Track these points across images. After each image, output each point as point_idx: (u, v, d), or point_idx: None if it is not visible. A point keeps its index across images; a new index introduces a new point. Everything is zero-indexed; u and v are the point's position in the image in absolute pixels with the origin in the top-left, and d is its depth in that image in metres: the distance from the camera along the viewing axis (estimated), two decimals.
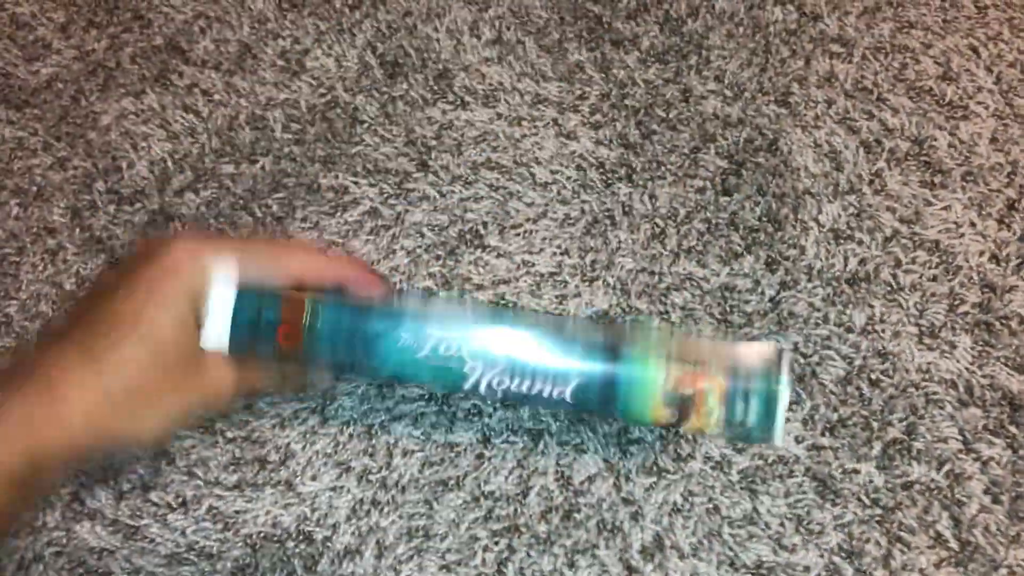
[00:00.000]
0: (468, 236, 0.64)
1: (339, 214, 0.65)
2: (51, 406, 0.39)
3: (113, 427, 0.41)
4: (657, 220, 0.65)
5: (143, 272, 0.42)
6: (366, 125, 0.68)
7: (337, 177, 0.67)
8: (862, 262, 0.63)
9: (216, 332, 0.43)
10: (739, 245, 0.64)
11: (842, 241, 0.64)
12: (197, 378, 0.43)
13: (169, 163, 0.68)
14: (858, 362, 0.60)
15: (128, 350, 0.40)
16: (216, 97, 0.70)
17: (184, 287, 0.42)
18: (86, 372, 0.39)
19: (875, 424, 0.58)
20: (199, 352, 0.43)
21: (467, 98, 0.69)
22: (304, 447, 0.58)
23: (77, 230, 0.65)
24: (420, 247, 0.63)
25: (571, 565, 0.54)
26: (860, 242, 0.64)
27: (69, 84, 0.71)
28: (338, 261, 0.47)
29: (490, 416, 0.58)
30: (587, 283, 0.62)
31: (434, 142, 0.68)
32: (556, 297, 0.62)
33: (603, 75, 0.70)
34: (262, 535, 0.56)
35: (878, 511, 0.55)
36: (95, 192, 0.67)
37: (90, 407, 0.39)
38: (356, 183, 0.66)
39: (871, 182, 0.66)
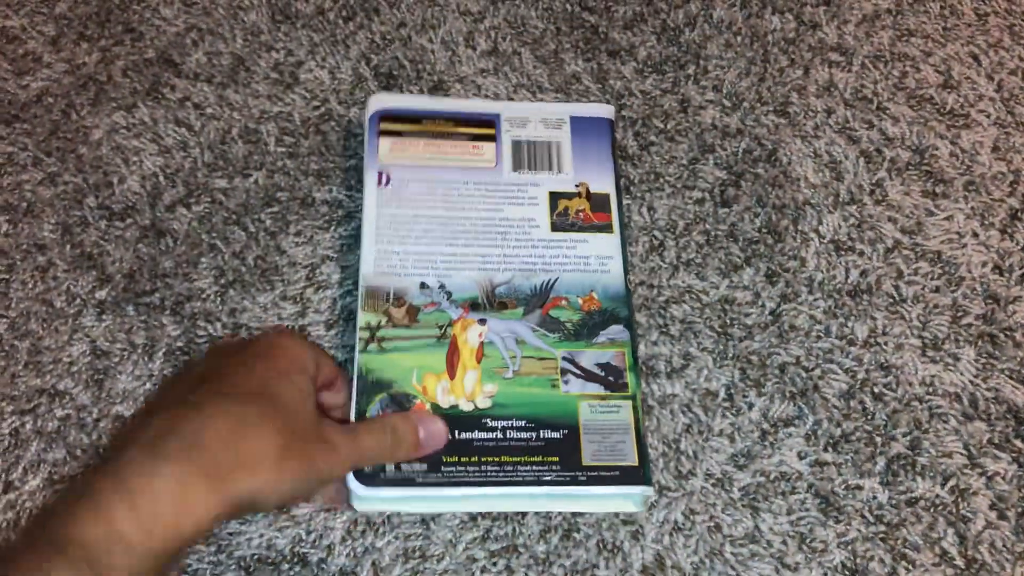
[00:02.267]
0: None
1: (333, 228, 0.64)
2: (205, 476, 0.40)
3: (259, 488, 0.42)
4: (655, 232, 0.64)
5: (252, 352, 0.47)
6: (359, 138, 0.68)
7: (331, 191, 0.66)
8: (863, 274, 0.62)
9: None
10: (739, 257, 0.63)
11: (843, 252, 0.63)
12: (320, 444, 0.45)
13: (161, 178, 0.67)
14: (860, 376, 0.59)
15: (265, 413, 0.43)
16: (208, 110, 0.69)
17: (293, 361, 0.47)
18: (232, 436, 0.42)
19: (878, 439, 0.57)
20: (319, 421, 0.46)
21: None
22: None
23: (68, 246, 0.64)
24: None
25: None
26: (861, 253, 0.63)
27: (59, 98, 0.70)
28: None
29: None
30: None
31: None
32: None
33: (600, 86, 0.70)
34: (256, 557, 0.55)
35: (882, 528, 0.55)
36: (86, 208, 0.66)
37: (241, 469, 0.41)
38: (351, 197, 0.65)
39: (872, 192, 0.65)
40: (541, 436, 0.54)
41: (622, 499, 0.53)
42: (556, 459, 0.53)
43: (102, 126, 0.69)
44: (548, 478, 0.53)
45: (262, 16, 0.73)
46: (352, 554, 0.55)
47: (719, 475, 0.56)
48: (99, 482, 0.39)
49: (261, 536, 0.55)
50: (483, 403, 0.55)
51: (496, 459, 0.53)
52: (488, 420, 0.54)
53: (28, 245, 0.64)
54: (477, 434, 0.54)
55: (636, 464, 0.53)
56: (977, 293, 0.61)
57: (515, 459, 0.53)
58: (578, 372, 0.56)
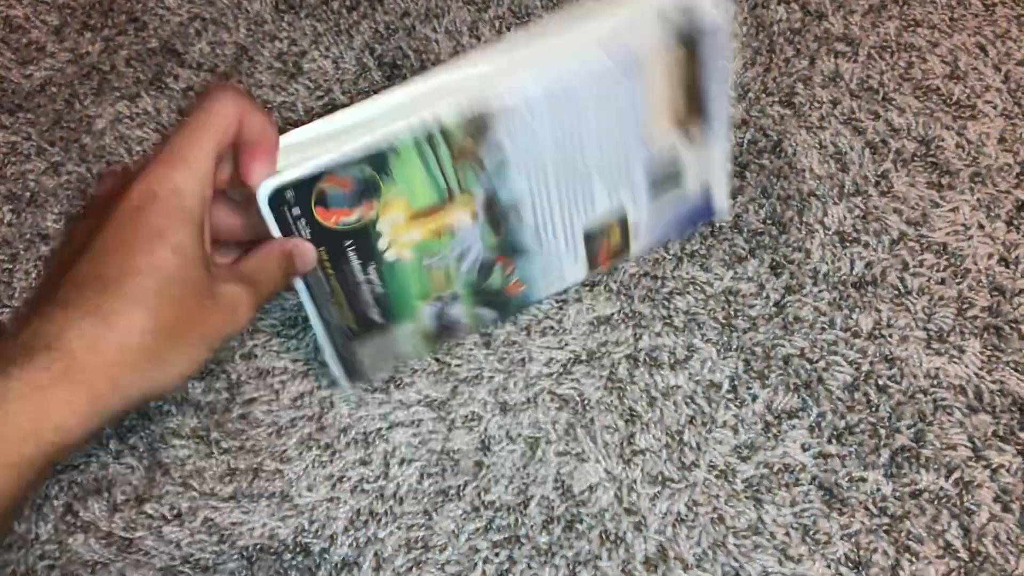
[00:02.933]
0: None
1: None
2: (67, 382, 0.36)
3: (139, 383, 0.37)
4: None
5: (120, 213, 0.39)
6: None
7: None
8: (868, 265, 0.62)
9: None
10: (743, 248, 0.62)
11: (848, 244, 0.62)
12: (212, 305, 0.40)
13: None
14: (865, 368, 0.58)
15: (133, 298, 0.37)
16: None
17: (171, 214, 0.39)
18: (96, 334, 0.36)
19: (883, 431, 0.57)
20: (207, 278, 0.40)
21: None
22: (301, 453, 0.57)
23: None
24: None
25: None
26: (866, 245, 0.62)
27: (63, 88, 0.70)
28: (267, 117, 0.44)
29: (488, 422, 0.57)
30: (588, 288, 0.61)
31: None
32: (556, 303, 0.61)
33: None
34: (258, 547, 0.55)
35: (886, 520, 0.54)
36: (89, 198, 0.66)
37: (111, 370, 0.36)
38: None
39: (877, 183, 0.65)
40: None
41: None
42: None
43: (105, 115, 0.69)
44: None
45: (265, 6, 0.73)
46: (355, 544, 0.55)
47: (722, 467, 0.56)
48: None
49: (264, 525, 0.55)
50: None
51: None
52: None
53: (31, 235, 0.64)
54: None
55: None
56: (983, 285, 0.61)
57: None
58: None
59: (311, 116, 0.68)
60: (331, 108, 0.68)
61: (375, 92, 0.48)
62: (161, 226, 0.38)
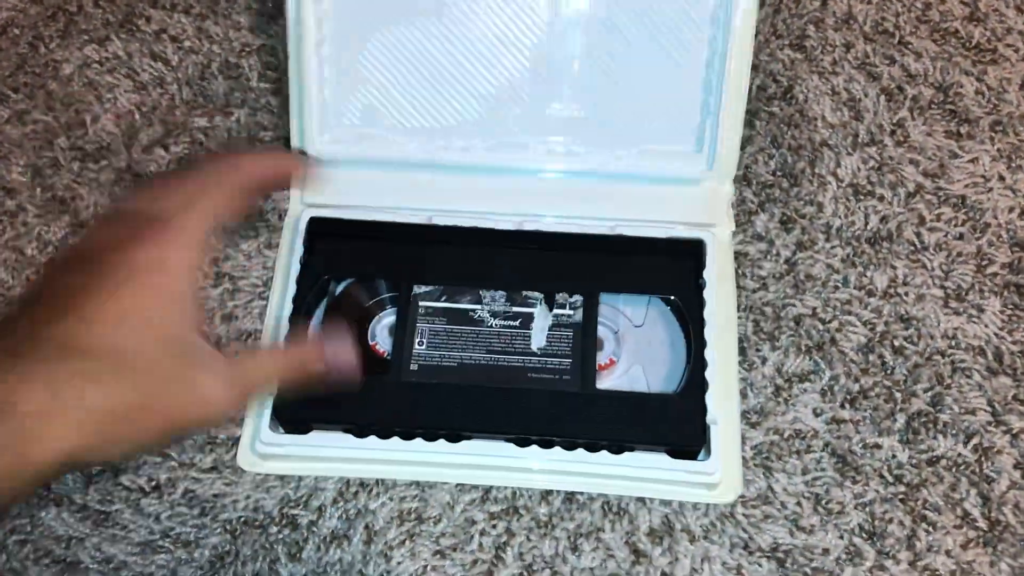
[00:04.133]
0: None
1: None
2: (18, 444, 0.33)
3: (86, 455, 0.35)
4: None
5: (118, 283, 0.36)
6: None
7: None
8: (883, 220, 0.59)
9: None
10: (752, 202, 0.59)
11: (862, 197, 0.59)
12: (184, 391, 0.37)
13: (137, 116, 0.63)
14: (880, 328, 0.56)
15: (106, 381, 0.35)
16: (187, 44, 0.65)
17: (168, 296, 0.37)
18: (56, 407, 0.34)
19: (898, 395, 0.54)
20: (186, 362, 0.37)
21: None
22: None
23: (38, 190, 0.61)
24: None
25: (574, 549, 0.51)
26: (881, 198, 0.59)
27: (26, 30, 0.66)
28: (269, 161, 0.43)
29: None
30: None
31: None
32: None
33: None
34: (242, 520, 0.52)
35: (902, 488, 0.52)
36: (57, 148, 0.62)
37: (55, 443, 0.34)
38: None
39: (892, 133, 0.61)
40: None
41: None
42: None
43: (73, 60, 0.65)
44: None
45: None
46: (344, 516, 0.52)
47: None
48: None
49: (248, 497, 0.52)
50: None
51: None
52: None
53: None
54: None
55: None
56: (1003, 240, 0.58)
57: None
58: None
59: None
60: None
61: None
62: (136, 306, 0.36)
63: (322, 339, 0.43)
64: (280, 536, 0.51)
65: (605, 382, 0.54)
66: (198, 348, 0.38)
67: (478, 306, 0.55)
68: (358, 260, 0.56)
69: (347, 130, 0.57)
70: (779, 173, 0.60)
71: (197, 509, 0.52)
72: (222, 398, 0.38)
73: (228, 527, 0.52)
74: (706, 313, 0.54)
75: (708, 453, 0.50)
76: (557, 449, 0.51)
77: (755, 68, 0.63)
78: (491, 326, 0.54)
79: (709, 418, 0.51)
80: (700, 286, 0.55)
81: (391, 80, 0.56)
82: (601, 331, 0.55)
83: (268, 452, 0.51)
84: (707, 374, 0.52)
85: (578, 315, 0.54)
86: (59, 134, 0.62)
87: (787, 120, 0.62)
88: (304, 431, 0.52)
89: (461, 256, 0.56)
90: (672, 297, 0.55)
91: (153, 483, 0.53)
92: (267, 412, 0.51)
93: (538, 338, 0.54)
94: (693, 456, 0.51)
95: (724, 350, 0.54)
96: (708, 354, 0.53)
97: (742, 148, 0.60)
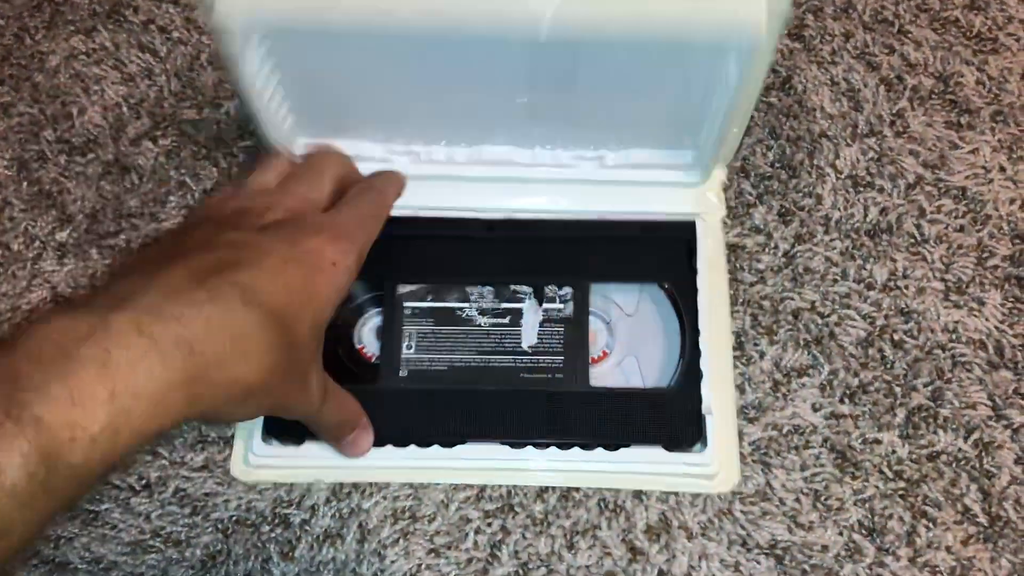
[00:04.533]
0: None
1: None
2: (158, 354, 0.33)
3: (202, 409, 0.35)
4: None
5: (308, 261, 0.41)
6: None
7: None
8: (883, 212, 0.58)
9: None
10: (750, 194, 0.58)
11: (861, 189, 0.58)
12: (299, 386, 0.41)
13: (124, 108, 0.62)
14: (880, 322, 0.55)
15: (264, 340, 0.37)
16: (175, 35, 0.64)
17: (333, 291, 0.41)
18: (228, 350, 0.35)
19: (898, 390, 0.53)
20: (310, 360, 0.41)
21: None
22: None
23: (24, 184, 0.60)
24: None
25: (570, 547, 0.50)
26: (881, 189, 0.58)
27: (11, 20, 0.64)
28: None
29: None
30: None
31: None
32: None
33: None
34: (234, 519, 0.51)
35: (901, 484, 0.51)
36: (43, 141, 0.61)
37: (187, 386, 0.34)
38: None
39: (892, 123, 0.60)
40: None
41: None
42: None
43: (59, 51, 0.64)
44: None
45: None
46: (337, 515, 0.51)
47: None
48: (83, 355, 0.31)
49: (240, 498, 0.51)
50: None
51: None
52: None
53: None
54: None
55: None
56: (1004, 233, 0.57)
57: None
58: None
59: None
60: None
61: None
62: (320, 297, 0.40)
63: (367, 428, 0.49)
64: (272, 535, 0.51)
65: (598, 373, 0.53)
66: (319, 352, 0.42)
67: (466, 304, 0.54)
68: None
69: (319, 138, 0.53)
70: (777, 165, 0.59)
71: (188, 508, 0.51)
72: (313, 413, 0.43)
73: (220, 526, 0.51)
74: (700, 299, 0.53)
75: (704, 444, 0.50)
76: (552, 449, 0.50)
77: None
78: (480, 325, 0.53)
79: (704, 408, 0.50)
80: (693, 271, 0.54)
81: (362, 102, 0.51)
82: (593, 322, 0.54)
83: (261, 463, 0.51)
84: (702, 363, 0.51)
85: (568, 309, 0.53)
86: (45, 127, 0.61)
87: (785, 111, 0.61)
88: (297, 442, 0.51)
89: (445, 250, 0.55)
90: (665, 284, 0.54)
91: (143, 482, 0.52)
92: (259, 424, 0.51)
93: (529, 336, 0.53)
94: (688, 449, 0.50)
95: (719, 337, 0.53)
96: (703, 342, 0.52)
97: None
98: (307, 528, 0.51)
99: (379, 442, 0.50)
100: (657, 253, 0.55)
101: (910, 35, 0.63)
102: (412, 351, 0.52)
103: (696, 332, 0.52)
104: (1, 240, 0.58)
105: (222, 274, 0.36)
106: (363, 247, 0.45)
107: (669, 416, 0.51)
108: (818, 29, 0.63)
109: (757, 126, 0.60)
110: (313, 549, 0.51)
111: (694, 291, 0.53)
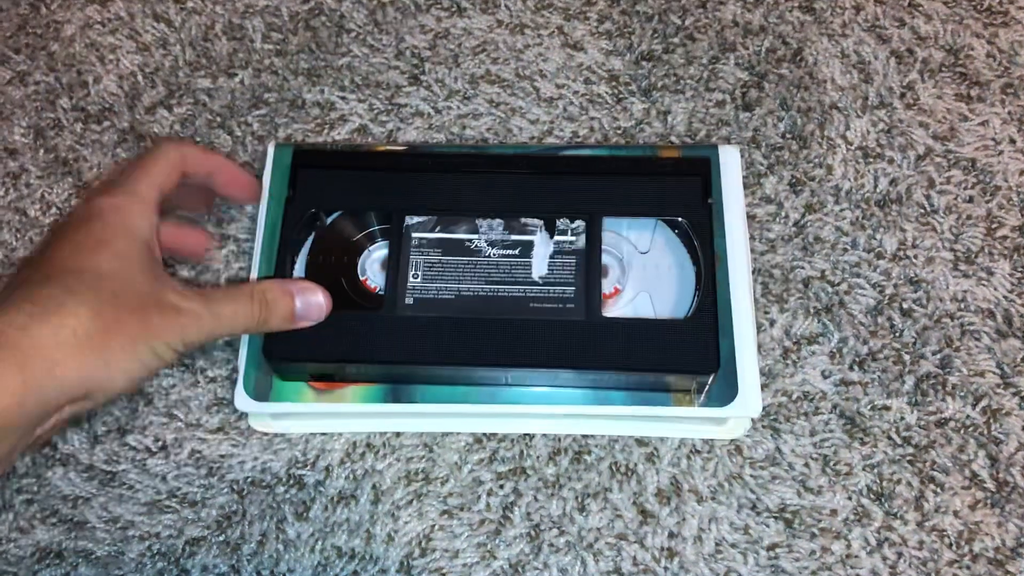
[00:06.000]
0: None
1: (325, 132, 0.60)
2: (12, 368, 0.37)
3: (77, 373, 0.38)
4: (672, 138, 0.60)
5: (69, 225, 0.43)
6: (353, 34, 0.63)
7: (323, 92, 0.61)
8: (893, 182, 0.58)
9: None
10: (761, 164, 0.59)
11: (871, 160, 0.59)
12: (156, 311, 0.41)
13: (139, 77, 0.62)
14: (889, 291, 0.55)
15: (72, 291, 0.39)
16: (190, 4, 0.64)
17: (114, 227, 0.43)
18: (31, 321, 0.38)
19: (907, 357, 0.54)
20: (154, 286, 0.42)
21: (464, 3, 0.64)
22: None
23: (41, 151, 0.60)
24: None
25: (582, 509, 0.51)
26: (891, 161, 0.59)
27: None
28: (209, 153, 0.50)
29: None
30: None
31: (428, 52, 0.62)
32: None
33: None
34: (249, 480, 0.52)
35: (910, 450, 0.52)
36: (59, 109, 0.61)
37: (45, 354, 0.37)
38: (344, 98, 0.61)
39: (902, 95, 0.61)
40: None
41: None
42: None
43: (75, 21, 0.64)
44: None
45: None
46: (351, 476, 0.52)
47: None
48: None
49: (255, 459, 0.52)
50: None
51: None
52: None
53: None
54: None
55: None
56: (1013, 203, 0.58)
57: None
58: None
59: (295, 22, 0.63)
60: (317, 11, 0.63)
61: None
62: (105, 236, 0.42)
63: (294, 291, 0.48)
64: (287, 496, 0.51)
65: (611, 311, 0.53)
66: (166, 276, 0.43)
67: (475, 236, 0.53)
68: (346, 192, 0.54)
69: None
70: (788, 136, 0.59)
71: (204, 469, 0.52)
72: (196, 321, 0.43)
73: (235, 487, 0.52)
74: (726, 222, 0.52)
75: (719, 373, 0.50)
76: (565, 392, 0.50)
77: (764, 30, 0.62)
78: (489, 256, 0.52)
79: (735, 327, 0.51)
80: (708, 206, 0.53)
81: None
82: (606, 259, 0.53)
83: (276, 412, 0.51)
84: (728, 289, 0.51)
85: (580, 241, 0.53)
86: (61, 95, 0.62)
87: (796, 82, 0.61)
88: (297, 374, 0.51)
89: (455, 184, 0.54)
90: (680, 219, 0.53)
91: (160, 443, 0.53)
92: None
93: (539, 266, 0.52)
94: (705, 379, 0.49)
95: (739, 267, 0.53)
96: (727, 268, 0.52)
97: (750, 110, 0.60)
98: (321, 489, 0.51)
99: (385, 370, 0.50)
100: (671, 188, 0.54)
101: (920, 8, 0.63)
102: (418, 280, 0.52)
103: (712, 266, 0.51)
104: (18, 206, 0.58)
105: None
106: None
107: (685, 344, 0.49)
108: (829, 2, 0.63)
109: (768, 97, 0.60)
110: (327, 510, 0.51)
111: (710, 225, 0.52)
